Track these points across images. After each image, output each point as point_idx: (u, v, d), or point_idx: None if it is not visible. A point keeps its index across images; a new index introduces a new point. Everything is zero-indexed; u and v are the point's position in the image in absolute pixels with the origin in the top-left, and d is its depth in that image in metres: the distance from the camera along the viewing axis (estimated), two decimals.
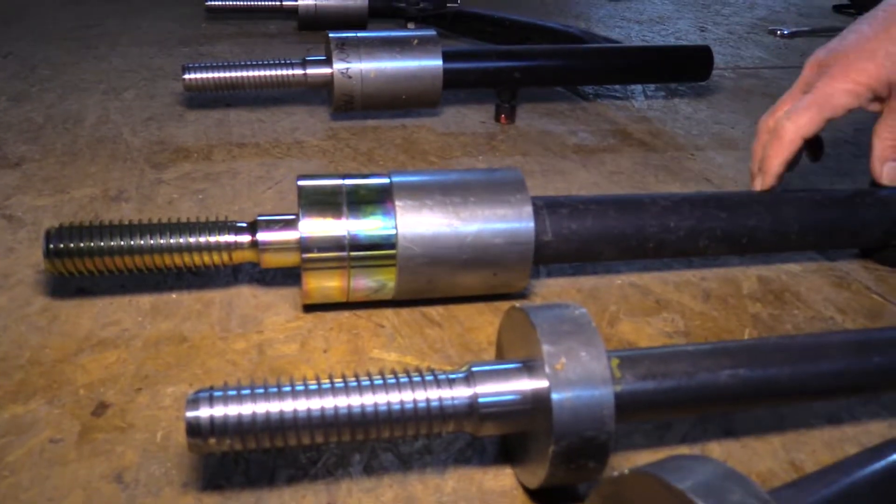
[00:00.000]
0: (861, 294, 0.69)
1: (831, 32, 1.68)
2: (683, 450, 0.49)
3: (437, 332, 0.58)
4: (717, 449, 0.50)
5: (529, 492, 0.45)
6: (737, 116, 1.10)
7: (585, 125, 1.02)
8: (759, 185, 0.70)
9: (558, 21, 1.30)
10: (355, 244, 0.54)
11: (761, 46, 1.53)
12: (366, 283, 0.56)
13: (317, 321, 0.58)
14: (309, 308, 0.59)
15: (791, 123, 0.66)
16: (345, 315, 0.59)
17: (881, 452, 0.45)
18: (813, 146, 0.73)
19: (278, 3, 1.30)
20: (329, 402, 0.40)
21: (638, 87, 1.19)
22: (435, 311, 0.60)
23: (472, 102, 1.04)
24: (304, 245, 0.54)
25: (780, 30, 1.64)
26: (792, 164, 0.69)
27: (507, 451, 0.47)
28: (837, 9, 1.93)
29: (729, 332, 0.61)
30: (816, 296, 0.68)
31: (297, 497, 0.44)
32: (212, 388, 0.40)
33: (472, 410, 0.41)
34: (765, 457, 0.49)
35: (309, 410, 0.39)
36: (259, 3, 1.31)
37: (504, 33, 1.23)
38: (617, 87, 1.18)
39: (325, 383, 0.41)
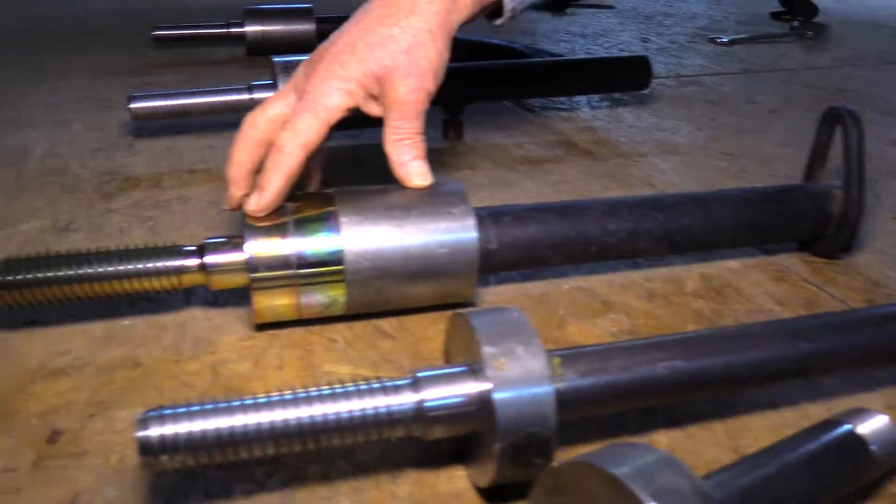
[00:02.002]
0: (798, 286, 0.71)
1: (769, 39, 1.75)
2: (632, 441, 0.51)
3: (389, 343, 0.59)
4: (663, 440, 0.51)
5: (482, 492, 0.46)
6: (678, 123, 1.14)
7: (532, 137, 1.04)
8: (253, 204, 0.57)
9: (504, 38, 1.33)
10: (303, 262, 0.55)
11: (701, 54, 1.58)
12: (316, 299, 0.57)
13: (270, 339, 0.59)
14: (262, 327, 0.60)
15: (290, 134, 0.57)
16: (298, 332, 0.60)
17: (813, 434, 0.47)
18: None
19: (225, 30, 1.31)
20: (278, 415, 0.41)
21: (583, 99, 1.22)
22: (387, 324, 0.61)
23: None
24: (251, 265, 0.55)
25: (719, 38, 1.69)
26: (302, 180, 0.61)
27: (461, 454, 0.49)
28: (775, 16, 2.00)
29: (672, 328, 0.63)
30: (756, 290, 0.70)
31: None
32: (162, 407, 0.40)
33: (420, 415, 0.42)
34: (709, 445, 0.51)
35: (258, 424, 0.40)
36: (206, 31, 1.32)
37: None
38: (563, 99, 1.21)
39: (274, 396, 0.41)
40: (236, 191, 0.59)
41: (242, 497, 0.45)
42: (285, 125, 0.58)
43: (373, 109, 0.61)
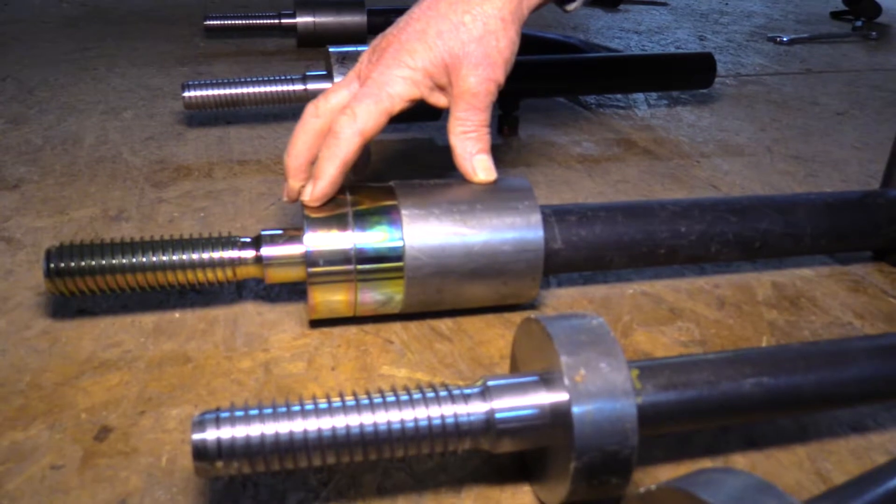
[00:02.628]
0: (878, 298, 0.67)
1: (830, 38, 1.68)
2: (706, 462, 0.48)
3: (447, 346, 0.56)
4: (741, 460, 0.48)
5: None
6: (741, 123, 1.09)
7: (589, 135, 1.01)
8: (307, 194, 0.55)
9: (557, 33, 1.30)
10: (362, 257, 0.53)
11: (761, 54, 1.52)
12: (373, 296, 0.54)
13: (324, 338, 0.57)
14: (315, 324, 0.58)
15: (348, 120, 0.55)
16: (352, 331, 0.57)
17: None
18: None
19: (277, 20, 1.30)
20: (340, 422, 0.38)
21: (640, 96, 1.18)
22: (444, 325, 0.59)
23: None
24: (309, 259, 0.52)
25: (779, 37, 1.63)
26: (358, 168, 0.59)
27: (525, 468, 0.46)
28: (835, 15, 1.93)
29: (746, 340, 0.60)
30: (832, 301, 0.66)
31: None
32: (218, 410, 0.38)
33: (489, 426, 0.40)
34: (790, 468, 0.48)
35: (319, 430, 0.38)
36: (257, 21, 1.31)
37: None
38: (619, 96, 1.17)
39: (336, 402, 0.39)
40: (295, 182, 0.57)
41: None
42: (344, 110, 0.56)
43: (438, 100, 0.58)
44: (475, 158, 0.58)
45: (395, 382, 0.52)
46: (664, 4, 1.97)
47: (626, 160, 0.93)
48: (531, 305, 0.61)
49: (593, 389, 0.38)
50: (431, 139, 0.96)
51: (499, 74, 0.57)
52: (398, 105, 0.56)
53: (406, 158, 0.90)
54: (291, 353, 0.55)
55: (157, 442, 0.47)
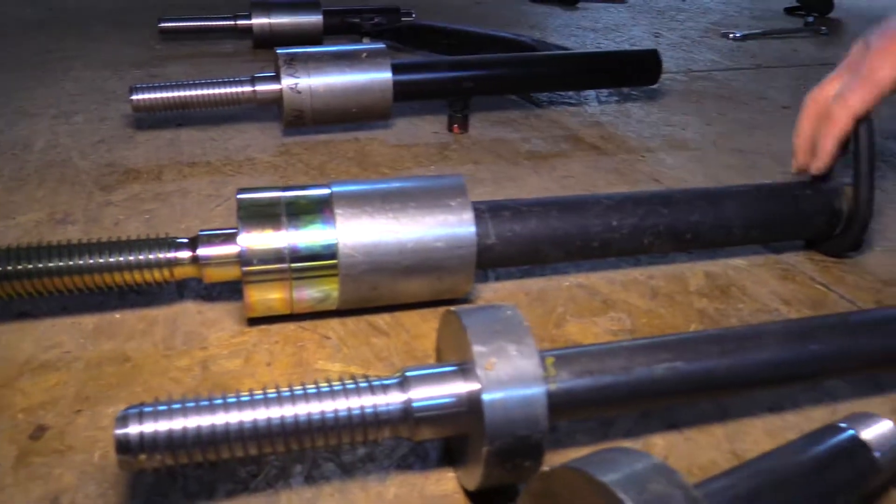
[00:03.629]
0: (805, 285, 0.70)
1: (783, 34, 1.72)
2: (627, 445, 0.50)
3: (383, 340, 0.58)
4: (660, 443, 0.50)
5: (470, 494, 0.45)
6: (688, 118, 1.12)
7: (538, 132, 1.03)
8: (814, 168, 0.70)
9: (515, 31, 1.31)
10: (296, 255, 0.54)
11: (714, 50, 1.55)
12: (309, 293, 0.56)
13: (262, 335, 0.58)
14: (255, 322, 0.59)
15: (840, 106, 0.67)
16: (290, 328, 0.59)
17: (815, 439, 0.45)
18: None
19: (232, 22, 1.30)
20: (261, 414, 0.40)
21: (591, 93, 1.20)
22: (381, 320, 0.60)
23: (426, 113, 1.05)
24: (243, 258, 0.54)
25: (732, 33, 1.67)
26: (845, 147, 0.70)
27: (449, 455, 0.47)
28: (788, 11, 1.97)
29: (675, 328, 0.62)
30: (762, 289, 0.68)
31: None
32: (142, 405, 0.39)
33: (407, 415, 0.41)
34: (707, 448, 0.50)
35: (240, 422, 0.39)
36: (213, 23, 1.31)
37: (458, 45, 1.24)
38: (571, 93, 1.19)
39: (257, 394, 0.40)
40: (801, 157, 0.72)
41: (225, 497, 0.44)
42: (837, 98, 0.67)
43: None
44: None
45: (329, 377, 0.54)
46: (623, 2, 2.00)
47: (572, 156, 0.95)
48: (466, 300, 0.63)
49: (504, 377, 0.40)
50: (382, 139, 0.97)
51: None
52: (888, 88, 0.65)
53: (356, 157, 0.91)
54: (229, 351, 0.56)
55: (92, 439, 0.48)
